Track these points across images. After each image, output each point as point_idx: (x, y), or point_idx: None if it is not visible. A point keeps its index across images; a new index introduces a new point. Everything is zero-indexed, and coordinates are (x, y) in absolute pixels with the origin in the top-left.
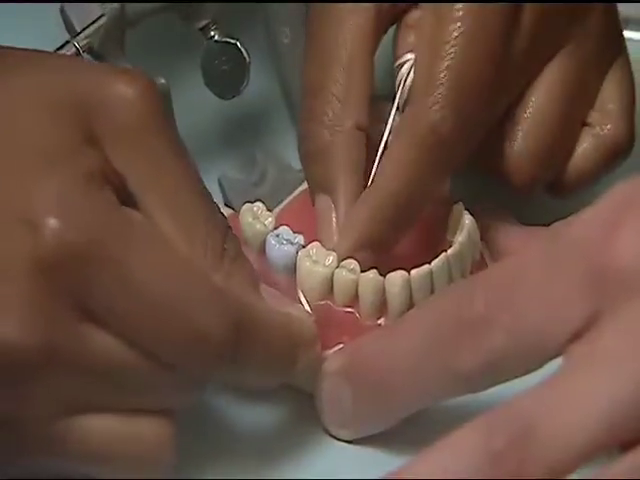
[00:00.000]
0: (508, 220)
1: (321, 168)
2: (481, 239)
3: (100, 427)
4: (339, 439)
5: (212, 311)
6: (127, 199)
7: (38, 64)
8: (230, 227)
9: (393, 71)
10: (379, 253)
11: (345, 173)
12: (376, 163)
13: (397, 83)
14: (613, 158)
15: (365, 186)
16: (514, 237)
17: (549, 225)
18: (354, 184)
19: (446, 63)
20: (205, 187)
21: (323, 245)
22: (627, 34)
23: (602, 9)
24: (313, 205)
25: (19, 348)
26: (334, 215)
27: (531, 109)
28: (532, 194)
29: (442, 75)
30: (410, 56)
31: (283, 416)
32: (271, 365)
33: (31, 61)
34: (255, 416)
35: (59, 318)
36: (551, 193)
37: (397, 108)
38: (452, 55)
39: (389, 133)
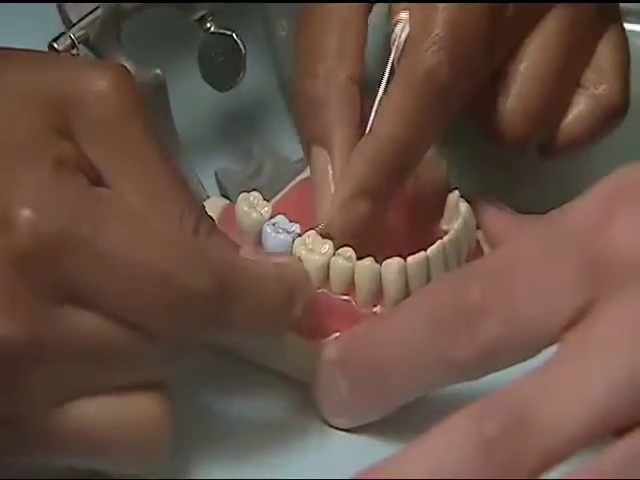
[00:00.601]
0: (504, 208)
1: (316, 120)
2: (477, 227)
3: (95, 410)
4: (336, 427)
5: (192, 268)
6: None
7: (11, 60)
8: (204, 208)
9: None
10: (378, 202)
11: (341, 125)
12: (372, 116)
13: (392, 40)
14: (608, 119)
15: (360, 138)
16: (510, 225)
17: (545, 214)
18: (350, 135)
19: (441, 11)
20: (177, 171)
21: (320, 198)
22: (627, 26)
23: None
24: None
25: (4, 343)
26: (330, 167)
27: (525, 64)
28: (524, 151)
29: (438, 21)
30: (404, 15)
31: (280, 405)
32: (267, 315)
33: (7, 59)
34: (252, 406)
35: (40, 307)
36: (544, 153)
37: (392, 64)
38: (448, 3)
39: (385, 87)
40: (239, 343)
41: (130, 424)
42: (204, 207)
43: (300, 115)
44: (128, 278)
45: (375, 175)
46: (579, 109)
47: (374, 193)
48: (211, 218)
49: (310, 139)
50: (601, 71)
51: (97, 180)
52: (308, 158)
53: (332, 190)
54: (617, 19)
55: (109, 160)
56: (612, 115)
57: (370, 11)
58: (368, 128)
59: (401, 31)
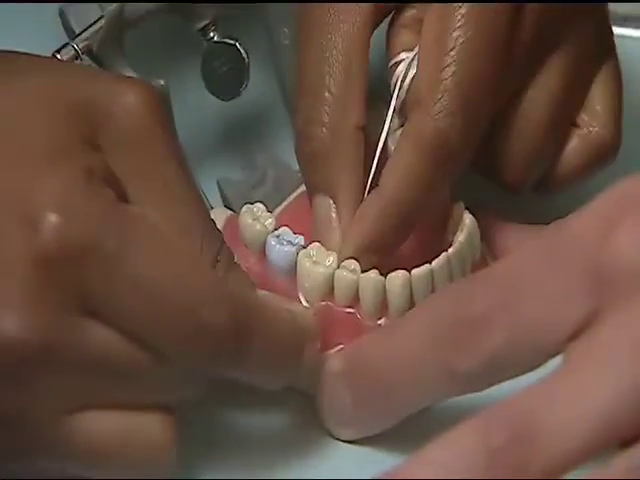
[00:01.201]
0: (508, 220)
1: (321, 169)
2: (481, 239)
3: (102, 424)
4: (340, 439)
5: (212, 301)
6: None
7: (45, 69)
8: (224, 241)
9: (381, 70)
10: (382, 256)
11: (346, 174)
12: (374, 163)
13: (393, 82)
14: (599, 159)
15: (364, 186)
16: (514, 237)
17: (549, 224)
18: (355, 185)
19: (451, 68)
20: (201, 197)
21: (322, 245)
22: (625, 32)
23: (593, 9)
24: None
25: (19, 344)
26: (334, 216)
27: (525, 109)
28: (522, 192)
29: (448, 81)
30: (405, 55)
31: (285, 417)
32: (277, 358)
33: (39, 65)
34: (257, 417)
35: (59, 314)
36: (539, 191)
37: (394, 109)
38: (456, 59)
39: (387, 133)
40: (252, 380)
41: (136, 443)
42: (224, 241)
43: (304, 161)
44: (148, 299)
45: (381, 233)
46: (573, 148)
47: (379, 248)
48: (229, 249)
49: (314, 187)
50: (594, 113)
51: (122, 195)
52: (311, 204)
53: (337, 238)
54: (611, 51)
55: (135, 176)
56: (604, 155)
57: (370, 45)
58: (371, 177)
59: (402, 74)
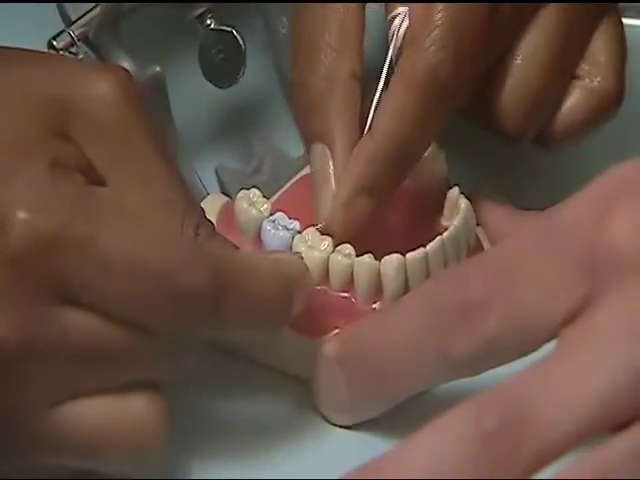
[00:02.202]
0: (504, 205)
1: (317, 117)
2: (477, 224)
3: (91, 412)
4: (335, 424)
5: (187, 265)
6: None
7: (11, 59)
8: (205, 216)
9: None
10: (378, 200)
11: (342, 121)
12: (371, 112)
13: (390, 35)
14: (602, 110)
15: (361, 135)
16: (509, 222)
17: (544, 210)
18: (351, 132)
19: (442, 7)
20: (182, 176)
21: (320, 196)
22: (626, 21)
23: None
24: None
25: None
26: (331, 163)
27: (522, 56)
28: (521, 143)
29: (438, 17)
30: (402, 9)
31: (279, 402)
32: (265, 310)
33: (7, 58)
34: (251, 403)
35: (34, 308)
36: (540, 144)
37: (391, 59)
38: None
39: (384, 83)
40: (239, 338)
41: (126, 425)
42: (204, 211)
43: (300, 111)
44: (124, 276)
45: (375, 173)
46: (574, 100)
47: (374, 191)
48: (210, 222)
49: (311, 135)
50: (596, 63)
51: (99, 183)
52: (308, 153)
53: (332, 186)
54: (614, 10)
55: (111, 163)
56: (607, 106)
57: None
58: (367, 125)
59: (399, 25)
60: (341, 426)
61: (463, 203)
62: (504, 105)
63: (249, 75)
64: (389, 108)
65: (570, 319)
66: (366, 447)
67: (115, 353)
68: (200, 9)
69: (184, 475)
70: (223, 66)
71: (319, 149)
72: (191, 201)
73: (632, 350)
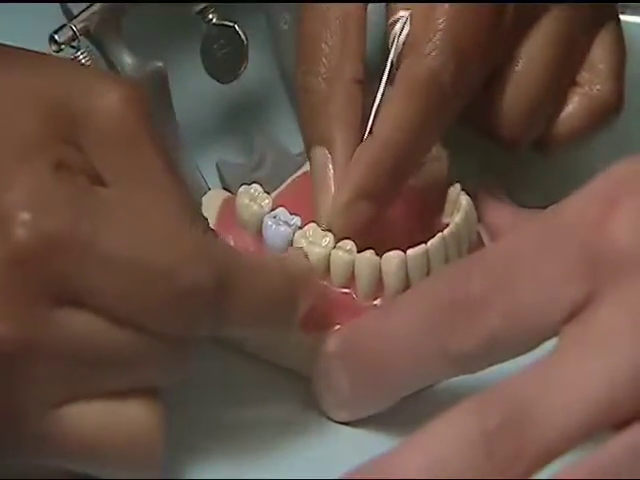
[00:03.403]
0: (505, 202)
1: (318, 120)
2: (478, 221)
3: (90, 415)
4: (336, 421)
5: (191, 262)
6: None
7: (27, 66)
8: (208, 224)
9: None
10: (378, 205)
11: (343, 125)
12: (371, 117)
13: (390, 39)
14: (601, 118)
15: (361, 139)
16: (510, 219)
17: (545, 207)
18: (352, 136)
19: (443, 11)
20: (188, 189)
21: (320, 199)
22: (625, 18)
23: None
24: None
25: None
26: (331, 167)
27: (522, 63)
28: (520, 149)
29: (439, 22)
30: (403, 13)
31: (280, 398)
32: (270, 308)
33: (21, 62)
34: (252, 399)
35: (34, 309)
36: (538, 150)
37: (392, 63)
38: (449, 5)
39: (384, 87)
40: (245, 337)
41: (123, 430)
42: (207, 220)
43: (302, 113)
44: (127, 276)
45: (375, 178)
46: (573, 107)
47: (374, 196)
48: (212, 229)
49: (312, 138)
50: (596, 70)
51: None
52: (308, 156)
53: (332, 190)
54: (614, 17)
55: (117, 174)
56: (605, 114)
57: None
58: (368, 129)
59: (400, 29)
60: (342, 423)
61: (464, 200)
62: (503, 113)
63: (251, 70)
64: (390, 113)
65: (571, 316)
66: (366, 443)
67: (117, 355)
68: (202, 4)
69: (184, 474)
70: (225, 61)
71: (319, 152)
72: (199, 211)
73: (634, 348)
